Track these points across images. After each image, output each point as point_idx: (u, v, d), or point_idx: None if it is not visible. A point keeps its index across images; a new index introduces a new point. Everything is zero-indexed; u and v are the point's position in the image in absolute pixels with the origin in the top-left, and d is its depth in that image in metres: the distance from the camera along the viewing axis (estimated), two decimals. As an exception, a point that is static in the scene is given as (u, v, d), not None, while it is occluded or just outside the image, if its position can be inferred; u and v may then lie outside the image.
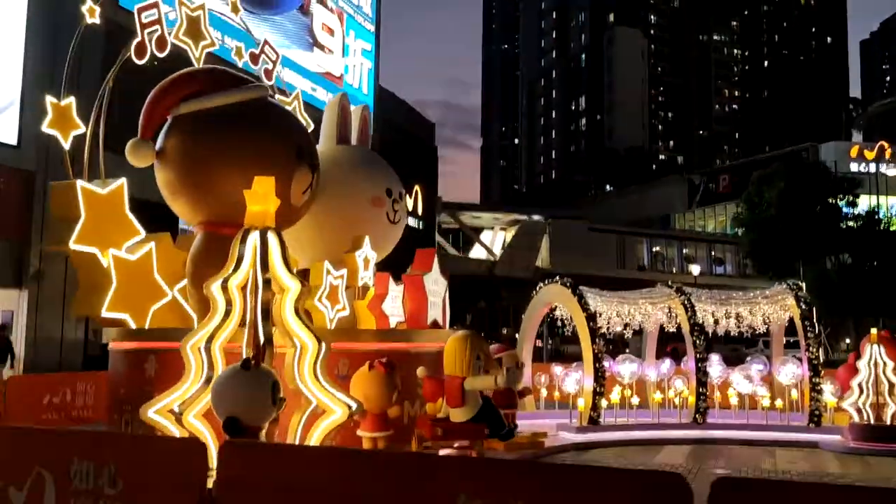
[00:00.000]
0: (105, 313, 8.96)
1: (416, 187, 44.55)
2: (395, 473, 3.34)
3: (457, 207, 54.22)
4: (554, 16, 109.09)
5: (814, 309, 12.19)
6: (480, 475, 3.25)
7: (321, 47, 33.85)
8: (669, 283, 13.20)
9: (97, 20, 9.71)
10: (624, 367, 12.08)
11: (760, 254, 34.27)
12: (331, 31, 34.67)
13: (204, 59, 10.68)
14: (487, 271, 48.82)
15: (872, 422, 10.64)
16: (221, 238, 8.16)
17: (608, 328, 12.42)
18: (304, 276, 8.90)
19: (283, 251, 7.36)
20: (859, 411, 10.73)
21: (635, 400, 12.16)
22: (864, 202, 42.24)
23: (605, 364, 11.89)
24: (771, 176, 35.15)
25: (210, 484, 3.67)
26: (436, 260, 10.24)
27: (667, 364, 13.25)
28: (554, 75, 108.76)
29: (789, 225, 30.42)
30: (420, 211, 45.01)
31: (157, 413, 6.89)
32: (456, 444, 8.32)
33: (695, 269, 40.83)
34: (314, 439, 7.03)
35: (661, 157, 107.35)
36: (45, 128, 8.94)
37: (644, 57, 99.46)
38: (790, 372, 12.10)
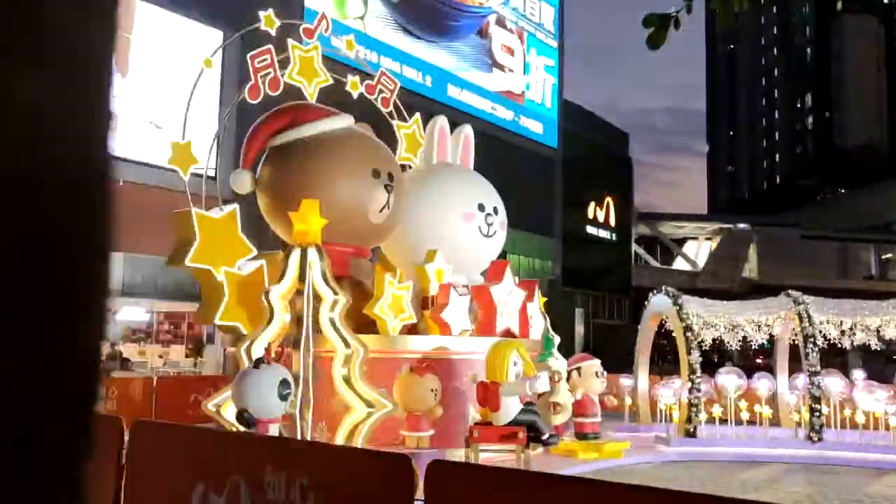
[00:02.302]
0: (219, 321, 10.24)
1: (608, 199, 44.10)
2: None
3: (655, 217, 52.74)
4: (775, 10, 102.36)
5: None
6: (279, 454, 3.82)
7: (501, 67, 34.83)
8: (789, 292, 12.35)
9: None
10: (728, 380, 11.57)
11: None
12: (510, 51, 35.56)
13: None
14: (689, 283, 46.89)
15: None
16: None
17: (719, 341, 11.97)
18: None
19: (323, 265, 8.20)
20: None
21: (745, 415, 11.60)
22: None
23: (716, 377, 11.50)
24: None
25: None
26: (508, 271, 10.59)
27: (801, 379, 12.45)
28: (776, 73, 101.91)
29: None
30: (613, 223, 44.44)
31: (212, 406, 8.04)
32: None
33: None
34: (340, 436, 7.80)
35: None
36: (168, 163, 10.49)
37: (879, 45, 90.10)
38: (923, 389, 10.91)
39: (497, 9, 34.54)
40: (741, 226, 52.15)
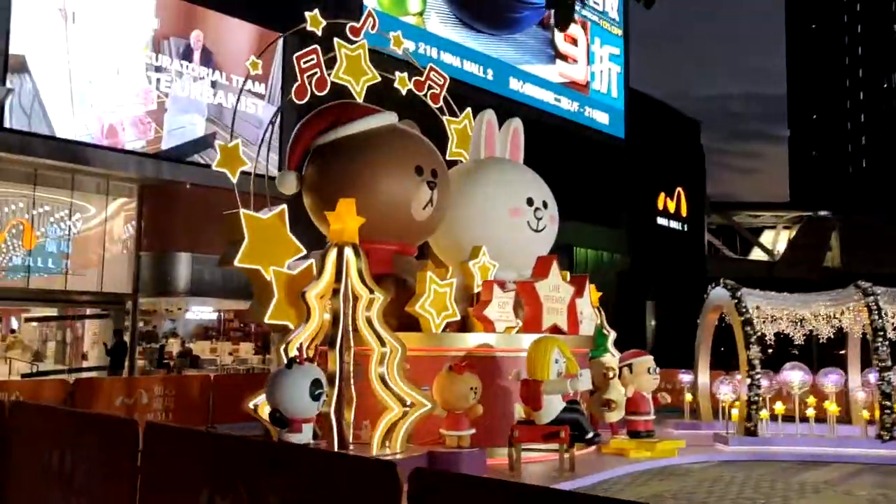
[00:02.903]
0: (268, 321, 10.29)
1: (679, 189, 42.96)
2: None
3: (729, 207, 51.09)
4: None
5: None
6: (277, 460, 3.80)
7: (564, 58, 34.32)
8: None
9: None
10: (793, 375, 11.06)
11: None
12: (574, 41, 35.01)
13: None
14: (766, 273, 45.29)
15: None
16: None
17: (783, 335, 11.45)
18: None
19: (359, 263, 8.17)
20: None
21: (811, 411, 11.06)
22: None
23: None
24: None
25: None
26: (555, 266, 10.35)
27: (873, 375, 11.82)
28: (860, 52, 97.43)
29: None
30: (684, 213, 43.27)
31: (251, 405, 8.12)
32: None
33: None
34: (376, 436, 7.77)
35: None
36: (215, 167, 10.60)
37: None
38: None
39: (559, -2, 34.04)
40: (822, 213, 50.10)
